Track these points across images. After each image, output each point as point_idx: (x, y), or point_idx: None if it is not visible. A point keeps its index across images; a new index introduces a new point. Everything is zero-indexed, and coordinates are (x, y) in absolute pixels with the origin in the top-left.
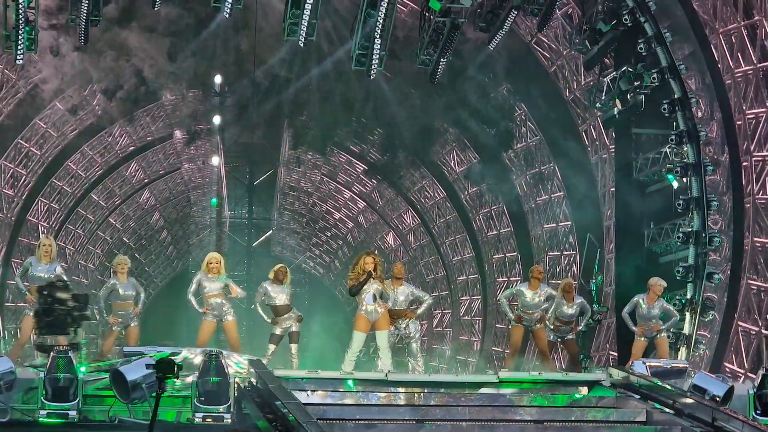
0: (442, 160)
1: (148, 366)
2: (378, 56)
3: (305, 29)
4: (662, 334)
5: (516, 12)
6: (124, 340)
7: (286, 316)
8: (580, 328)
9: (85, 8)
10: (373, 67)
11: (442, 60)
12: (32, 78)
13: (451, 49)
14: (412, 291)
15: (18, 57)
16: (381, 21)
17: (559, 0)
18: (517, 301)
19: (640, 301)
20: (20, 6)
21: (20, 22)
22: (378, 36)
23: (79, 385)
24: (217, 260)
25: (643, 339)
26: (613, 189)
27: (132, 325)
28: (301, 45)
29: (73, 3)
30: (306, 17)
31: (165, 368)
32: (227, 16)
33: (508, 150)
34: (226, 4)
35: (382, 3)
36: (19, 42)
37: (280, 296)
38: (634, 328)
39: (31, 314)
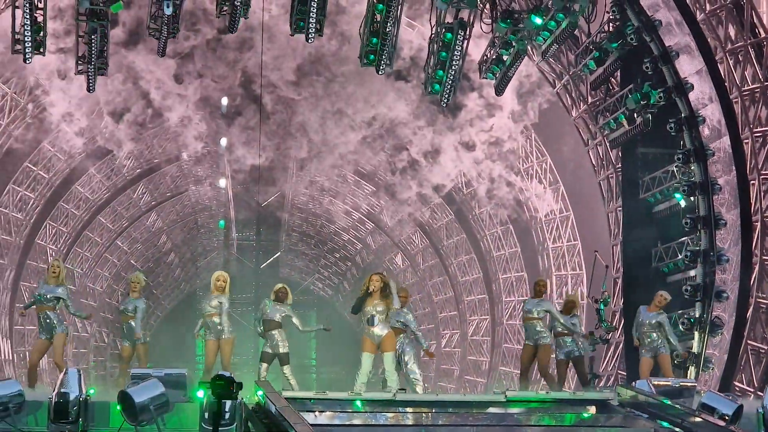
0: (450, 180)
1: (201, 384)
2: (387, 52)
3: (312, 25)
4: (663, 351)
5: (522, 57)
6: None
7: (275, 332)
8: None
9: (93, 60)
10: (382, 63)
11: (450, 73)
12: (40, 101)
13: (459, 61)
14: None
15: (27, 58)
16: (390, 16)
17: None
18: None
19: (642, 308)
20: (27, 7)
21: (27, 22)
22: (386, 31)
23: (88, 406)
24: (224, 278)
25: (648, 356)
26: (620, 208)
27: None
28: (310, 42)
29: (80, 57)
30: (313, 13)
31: (222, 388)
32: (233, 32)
33: (516, 170)
34: (235, 17)
35: None
36: (27, 43)
37: (275, 314)
38: (636, 342)
39: (43, 337)
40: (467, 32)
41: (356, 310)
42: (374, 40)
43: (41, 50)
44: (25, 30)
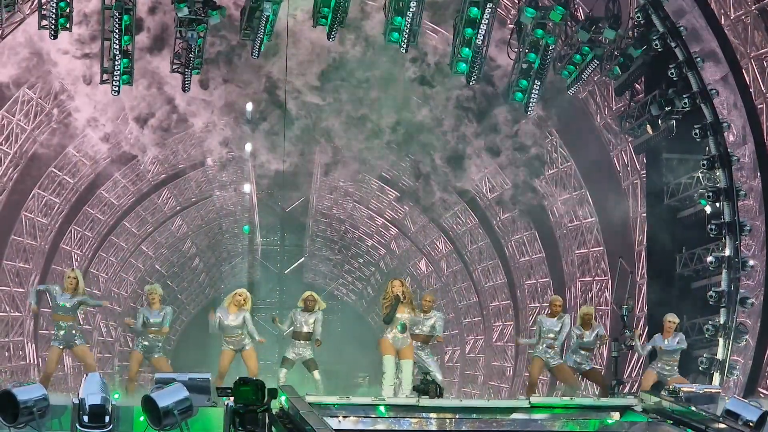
0: (474, 186)
1: (220, 391)
2: (409, 29)
3: (336, 22)
4: (676, 375)
5: (548, 66)
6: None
7: (302, 342)
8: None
9: (118, 68)
10: (404, 40)
11: (478, 51)
12: (65, 106)
13: (485, 38)
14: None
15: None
16: None
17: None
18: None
19: (657, 337)
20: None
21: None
22: (412, 8)
23: (113, 411)
24: (246, 295)
25: (654, 372)
26: (645, 214)
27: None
28: (331, 40)
29: (103, 67)
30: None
31: (249, 396)
32: (255, 57)
33: (540, 176)
34: (256, 43)
35: None
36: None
37: (304, 325)
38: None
39: (58, 345)
40: (494, 3)
41: (390, 320)
42: (398, 18)
43: (68, 26)
44: (51, 5)
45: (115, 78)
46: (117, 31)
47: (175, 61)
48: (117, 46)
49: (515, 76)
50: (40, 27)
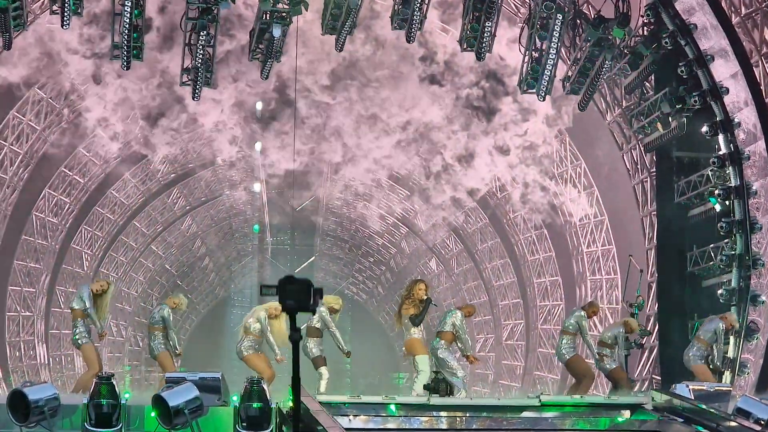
0: (484, 184)
1: (264, 288)
2: (418, 19)
3: (344, 34)
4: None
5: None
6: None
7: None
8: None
9: (126, 37)
10: (412, 30)
11: (487, 26)
12: (76, 106)
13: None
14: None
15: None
16: None
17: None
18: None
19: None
20: (126, 16)
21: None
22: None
23: (123, 411)
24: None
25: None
26: (655, 212)
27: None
28: (339, 49)
29: (114, 43)
30: (347, 23)
31: (297, 296)
32: (264, 78)
33: (550, 175)
34: (266, 65)
35: None
36: (125, 51)
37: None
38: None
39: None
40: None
41: (420, 321)
42: (405, 10)
43: (79, 12)
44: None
45: (125, 53)
46: (128, 4)
47: (184, 76)
48: (128, 20)
49: (527, 65)
50: (52, 12)
